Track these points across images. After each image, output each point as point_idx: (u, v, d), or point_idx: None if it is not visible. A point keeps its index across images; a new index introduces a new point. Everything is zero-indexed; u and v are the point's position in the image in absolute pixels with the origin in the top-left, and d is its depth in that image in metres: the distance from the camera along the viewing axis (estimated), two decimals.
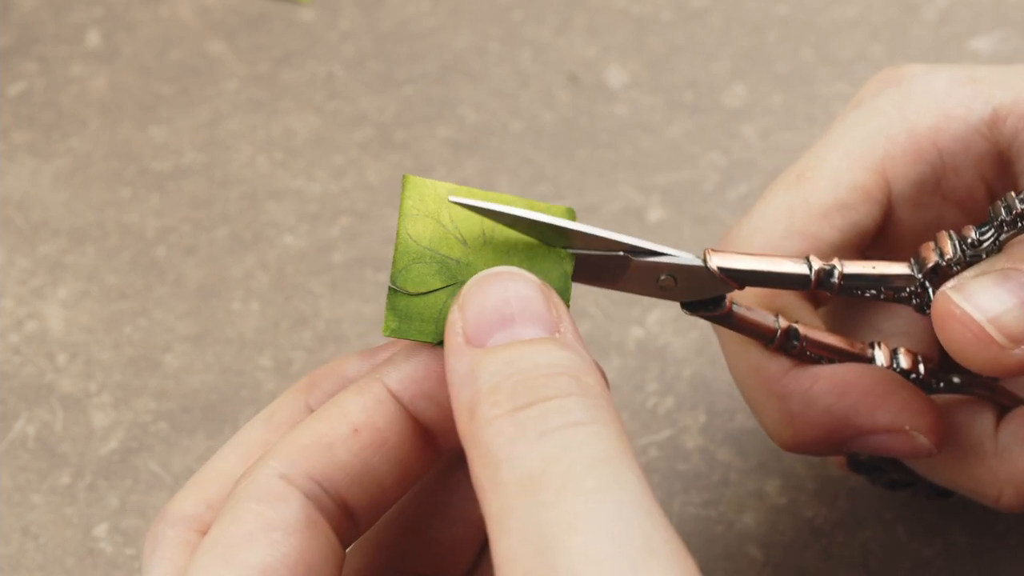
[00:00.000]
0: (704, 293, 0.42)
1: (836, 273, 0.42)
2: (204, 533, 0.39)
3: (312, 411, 0.41)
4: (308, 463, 0.38)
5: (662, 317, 0.57)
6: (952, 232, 0.43)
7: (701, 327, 0.56)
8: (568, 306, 0.39)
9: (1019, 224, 0.42)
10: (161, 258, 0.59)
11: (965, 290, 0.41)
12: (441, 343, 0.39)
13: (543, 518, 0.33)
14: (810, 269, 0.42)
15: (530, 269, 0.39)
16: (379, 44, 0.67)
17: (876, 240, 0.46)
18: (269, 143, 0.63)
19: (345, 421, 0.39)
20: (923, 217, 0.46)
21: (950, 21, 0.66)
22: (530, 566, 0.33)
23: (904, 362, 0.45)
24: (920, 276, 0.42)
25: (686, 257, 0.41)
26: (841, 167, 0.45)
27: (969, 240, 0.42)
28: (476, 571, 0.42)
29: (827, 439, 0.44)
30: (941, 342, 0.41)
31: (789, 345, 0.44)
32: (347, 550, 0.39)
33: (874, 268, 0.43)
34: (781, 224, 0.45)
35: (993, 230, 0.42)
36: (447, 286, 0.40)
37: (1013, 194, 0.42)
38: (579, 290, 0.57)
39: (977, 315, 0.40)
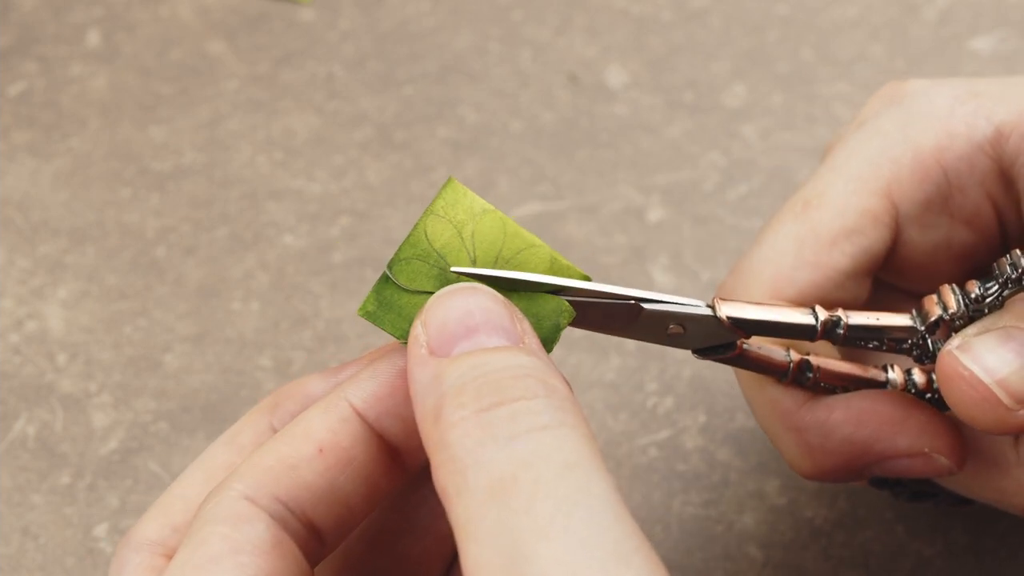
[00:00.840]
0: (713, 340, 0.42)
1: (842, 324, 0.43)
2: (170, 557, 0.38)
3: (276, 431, 0.40)
4: (273, 484, 0.38)
5: None
6: (955, 286, 0.43)
7: None
8: (550, 351, 0.39)
9: (1023, 282, 0.42)
10: (161, 258, 0.59)
11: (972, 351, 0.41)
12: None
13: (514, 525, 0.33)
14: (816, 320, 0.43)
15: (526, 310, 0.40)
16: (379, 44, 0.67)
17: (886, 262, 0.46)
18: (269, 143, 0.63)
19: (310, 441, 0.38)
20: (932, 236, 0.46)
21: (950, 21, 0.66)
22: (501, 574, 0.33)
23: (919, 381, 0.45)
24: (922, 329, 0.43)
25: (695, 306, 0.42)
26: (847, 192, 0.45)
27: (973, 295, 0.42)
28: None
29: (848, 467, 0.44)
30: (947, 402, 0.42)
31: (803, 377, 0.44)
32: (315, 569, 0.39)
33: (878, 319, 0.43)
34: (790, 255, 0.45)
35: (997, 286, 0.42)
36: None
37: (1019, 252, 0.42)
38: None
39: (985, 377, 0.41)
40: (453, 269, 0.40)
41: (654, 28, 0.67)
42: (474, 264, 0.40)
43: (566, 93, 0.65)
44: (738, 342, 0.43)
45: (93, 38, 0.67)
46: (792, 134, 0.63)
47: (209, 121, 0.64)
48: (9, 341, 0.57)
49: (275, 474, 0.38)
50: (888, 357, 0.48)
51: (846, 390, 0.45)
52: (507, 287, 0.40)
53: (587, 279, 0.40)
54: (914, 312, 0.43)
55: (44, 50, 0.67)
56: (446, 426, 0.35)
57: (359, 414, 0.39)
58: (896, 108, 0.46)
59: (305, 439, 0.38)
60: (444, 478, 0.35)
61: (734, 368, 0.46)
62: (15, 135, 0.64)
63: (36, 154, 0.63)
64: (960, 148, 0.45)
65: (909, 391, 0.45)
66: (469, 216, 0.40)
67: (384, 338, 0.57)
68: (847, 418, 0.44)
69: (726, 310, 0.42)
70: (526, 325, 0.38)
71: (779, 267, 0.45)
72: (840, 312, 0.43)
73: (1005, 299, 0.42)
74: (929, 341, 0.43)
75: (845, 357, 0.46)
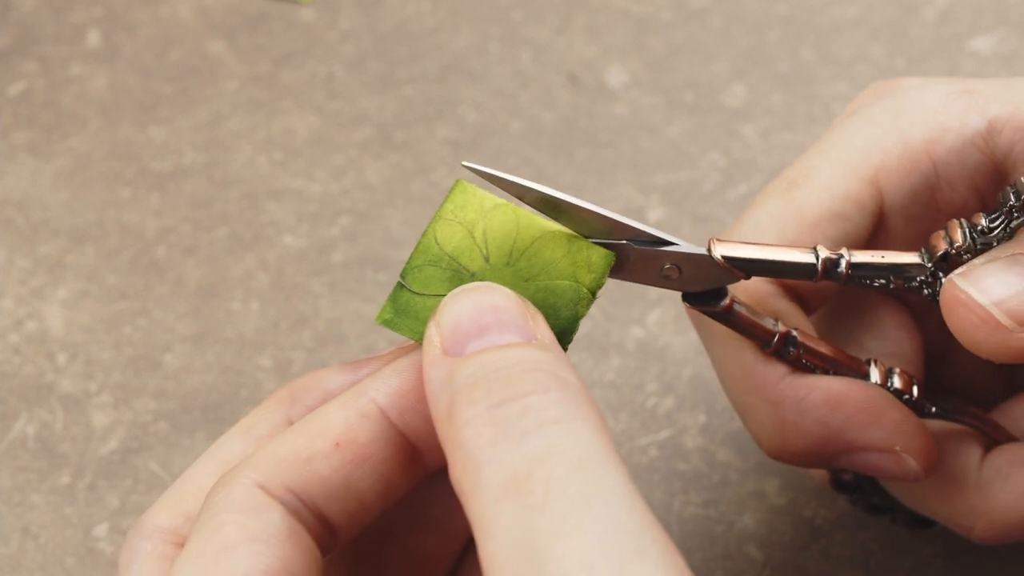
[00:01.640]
0: (708, 283, 0.42)
1: (843, 262, 0.42)
2: (181, 546, 0.38)
3: (292, 424, 0.40)
4: (286, 475, 0.37)
5: (662, 317, 0.57)
6: (962, 220, 0.42)
7: None
8: (566, 346, 0.39)
9: None
10: (161, 258, 0.59)
11: (972, 276, 0.41)
12: None
13: (531, 523, 0.33)
14: (817, 258, 0.42)
15: (543, 301, 0.40)
16: (379, 44, 0.67)
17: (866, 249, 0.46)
18: (269, 143, 0.63)
19: (326, 435, 0.38)
20: (915, 228, 0.46)
21: (950, 21, 0.66)
22: (519, 571, 0.33)
23: (898, 383, 0.45)
24: (930, 265, 0.42)
25: (690, 246, 0.41)
26: (834, 176, 0.45)
27: (979, 227, 0.42)
28: None
29: (816, 451, 0.44)
30: (950, 330, 0.41)
31: (785, 351, 0.43)
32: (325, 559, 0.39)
33: (883, 257, 0.42)
34: (772, 232, 0.44)
35: (1003, 216, 0.42)
36: None
37: (1022, 179, 0.41)
38: None
39: (983, 299, 0.40)
40: (463, 163, 0.40)
41: (654, 28, 0.67)
42: (488, 262, 0.40)
43: (566, 93, 0.65)
44: (729, 297, 0.42)
45: (93, 38, 0.67)
46: (792, 134, 0.63)
47: (209, 121, 0.64)
48: (9, 341, 0.57)
49: (289, 465, 0.38)
50: (875, 347, 0.47)
51: (826, 372, 0.44)
52: (517, 193, 0.40)
53: (612, 257, 0.40)
54: (922, 249, 0.42)
55: (44, 50, 0.67)
56: (459, 424, 0.35)
57: (381, 410, 0.39)
58: (889, 100, 0.46)
59: (322, 433, 0.38)
60: (460, 476, 0.35)
61: (708, 333, 0.45)
62: (15, 135, 0.64)
63: (36, 154, 0.63)
64: (951, 141, 0.45)
65: (888, 389, 0.44)
66: (480, 214, 0.40)
67: (385, 337, 0.57)
68: (825, 400, 0.43)
69: (721, 250, 0.41)
70: (539, 320, 0.38)
71: None
72: (843, 251, 0.42)
73: (1014, 230, 0.41)
74: (940, 277, 0.42)
75: (831, 342, 0.45)
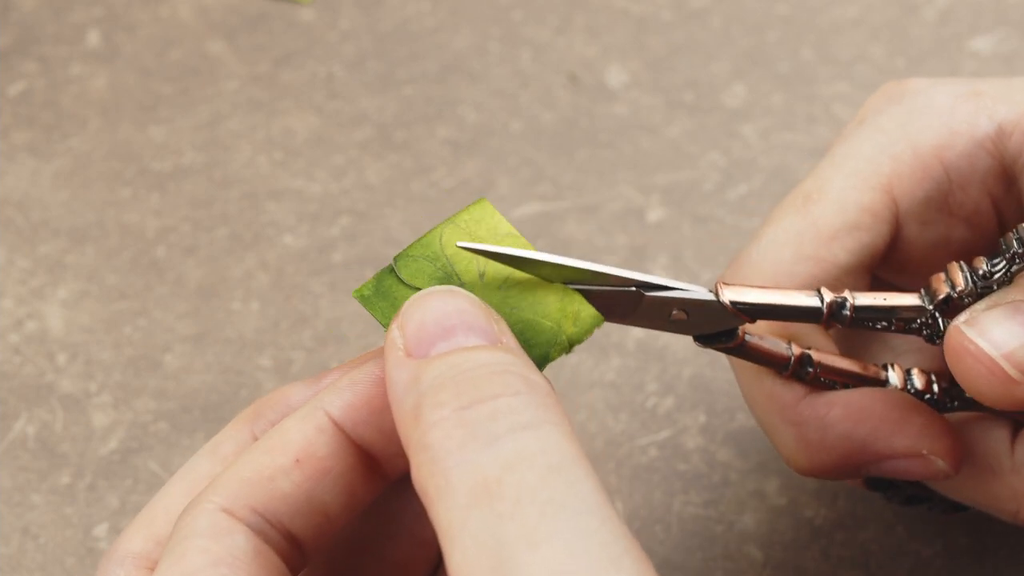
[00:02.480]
0: (716, 326, 0.42)
1: (848, 305, 0.42)
2: (153, 570, 0.38)
3: (257, 440, 0.40)
4: (250, 496, 0.37)
5: None
6: (963, 263, 0.43)
7: None
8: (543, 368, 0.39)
9: None
10: (161, 258, 0.59)
11: (978, 325, 0.41)
12: None
13: (501, 531, 0.33)
14: (822, 302, 0.42)
15: (519, 333, 0.39)
16: (379, 44, 0.67)
17: (884, 259, 0.46)
18: (269, 143, 0.63)
19: (286, 451, 0.38)
20: (931, 234, 0.46)
21: (950, 21, 0.66)
22: None
23: (918, 382, 0.45)
24: (931, 307, 0.43)
25: (698, 291, 0.41)
26: (847, 188, 0.45)
27: (980, 272, 0.42)
28: None
29: (844, 464, 0.44)
30: (955, 377, 0.41)
31: (803, 372, 0.44)
32: None
33: (885, 300, 0.43)
34: (790, 249, 0.44)
35: (1004, 262, 0.42)
36: None
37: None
38: None
39: (992, 351, 0.40)
40: (458, 244, 0.40)
41: (654, 28, 0.67)
42: (482, 279, 0.40)
43: (566, 93, 0.65)
44: (740, 331, 0.43)
45: (93, 38, 0.67)
46: (792, 134, 0.63)
47: (209, 121, 0.64)
48: (9, 341, 0.57)
49: (252, 485, 0.37)
50: (888, 355, 0.48)
51: (845, 386, 0.44)
52: (509, 263, 0.39)
53: (601, 320, 0.40)
54: (922, 291, 0.43)
55: (44, 50, 0.67)
56: (426, 426, 0.35)
57: (336, 423, 0.39)
58: (897, 106, 0.46)
59: (282, 450, 0.38)
60: (425, 479, 0.35)
61: (732, 360, 0.46)
62: (15, 135, 0.64)
63: (36, 154, 0.63)
64: (961, 146, 0.45)
65: (908, 391, 0.45)
66: (490, 235, 0.40)
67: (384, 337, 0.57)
68: (846, 415, 0.44)
69: (729, 294, 0.42)
70: (503, 326, 0.38)
71: (778, 261, 0.45)
72: (846, 293, 0.43)
73: (1014, 274, 0.42)
74: (939, 320, 0.43)
75: (845, 354, 0.46)
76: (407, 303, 0.38)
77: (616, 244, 0.59)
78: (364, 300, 0.40)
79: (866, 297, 0.43)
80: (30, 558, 0.51)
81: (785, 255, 0.44)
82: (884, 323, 0.43)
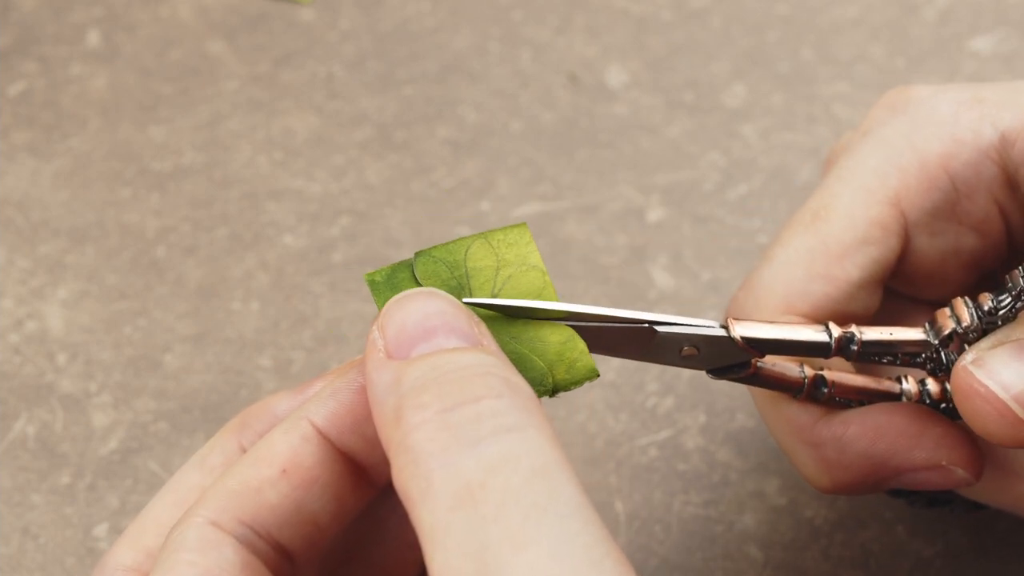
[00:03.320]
0: (727, 360, 0.42)
1: (856, 340, 0.43)
2: None
3: (244, 451, 0.40)
4: (237, 508, 0.37)
5: None
6: (968, 299, 0.43)
7: None
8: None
9: None
10: (161, 258, 0.59)
11: (987, 366, 0.41)
12: None
13: (484, 534, 0.33)
14: (830, 337, 0.43)
15: (528, 367, 0.39)
16: (379, 44, 0.67)
17: (896, 270, 0.46)
18: (269, 143, 0.63)
19: (273, 463, 0.38)
20: (940, 243, 0.46)
21: (950, 21, 0.66)
22: None
23: (933, 391, 0.45)
24: (936, 343, 0.43)
25: (708, 327, 0.42)
26: (856, 203, 0.45)
27: (986, 308, 0.42)
28: None
29: (865, 480, 0.44)
30: (962, 416, 0.42)
31: (818, 393, 0.44)
32: None
33: (891, 335, 0.43)
34: (802, 268, 0.45)
35: (1010, 298, 0.42)
36: None
37: None
38: (578, 288, 0.57)
39: (1001, 393, 0.41)
40: (465, 300, 0.40)
41: (654, 28, 0.67)
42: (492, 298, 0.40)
43: (566, 93, 0.65)
44: (752, 360, 0.43)
45: (93, 38, 0.67)
46: (792, 134, 0.63)
47: (209, 121, 0.64)
48: (9, 341, 0.57)
49: (239, 498, 0.37)
50: (902, 369, 0.48)
51: (861, 403, 0.45)
52: (514, 314, 0.39)
53: (596, 374, 0.40)
54: (927, 326, 0.43)
55: (44, 50, 0.67)
56: (408, 428, 0.35)
57: (321, 433, 0.39)
58: (900, 116, 0.46)
59: (268, 461, 0.38)
60: (407, 482, 0.34)
61: (750, 388, 0.46)
62: (15, 135, 0.64)
63: (36, 154, 0.63)
64: (966, 155, 0.45)
65: (923, 402, 0.45)
66: (517, 261, 0.40)
67: None
68: (863, 432, 0.44)
69: (740, 330, 0.42)
70: (483, 328, 0.38)
71: (791, 281, 0.45)
72: (854, 328, 0.43)
73: (1018, 311, 0.42)
74: (943, 354, 0.43)
75: (859, 370, 0.46)
76: (388, 304, 0.38)
77: (616, 244, 0.59)
78: (372, 285, 0.40)
79: (873, 332, 0.43)
80: (30, 558, 0.51)
81: (797, 274, 0.45)
82: (889, 358, 0.43)
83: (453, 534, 0.33)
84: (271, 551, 0.38)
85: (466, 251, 0.40)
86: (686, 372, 0.55)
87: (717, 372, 0.43)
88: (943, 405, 0.45)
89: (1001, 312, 0.42)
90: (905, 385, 0.45)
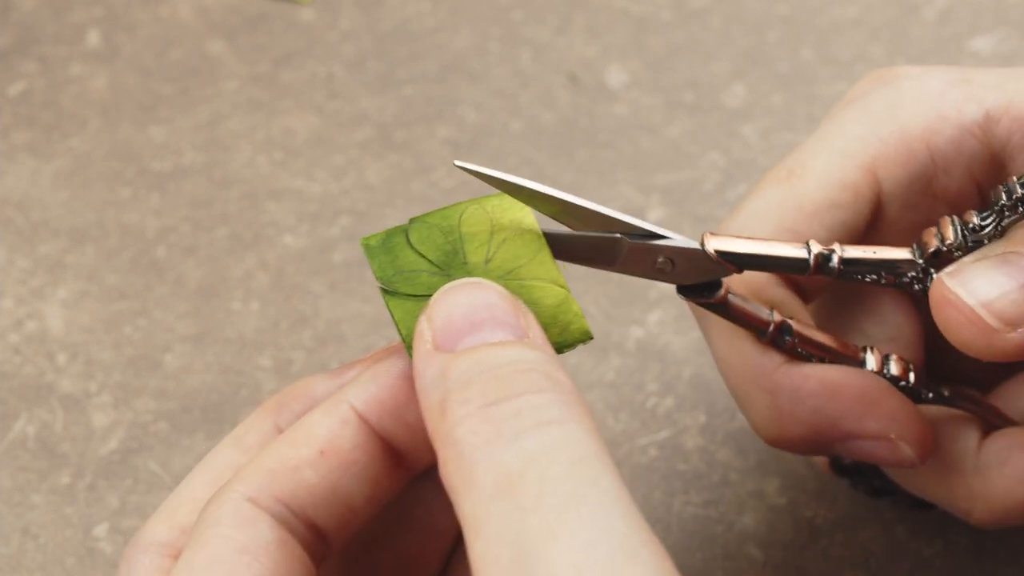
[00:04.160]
0: (702, 277, 0.42)
1: (835, 257, 0.42)
2: (178, 558, 0.39)
3: (281, 432, 0.40)
4: (275, 486, 0.38)
5: (662, 317, 0.57)
6: (954, 217, 0.43)
7: None
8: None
9: (1020, 208, 0.42)
10: (161, 258, 0.60)
11: (961, 275, 0.41)
12: (384, 289, 0.39)
13: (522, 524, 0.33)
14: (809, 253, 0.42)
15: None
16: (379, 44, 0.67)
17: (864, 239, 0.46)
18: (269, 143, 0.63)
19: (311, 444, 0.38)
20: (913, 217, 0.46)
21: (950, 21, 0.66)
22: (509, 571, 0.33)
23: (895, 369, 0.45)
24: (921, 261, 0.43)
25: (684, 240, 0.41)
26: (832, 165, 0.45)
27: (971, 225, 0.42)
28: None
29: (812, 439, 0.44)
30: (939, 328, 0.41)
31: (781, 340, 0.44)
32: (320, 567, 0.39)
33: (875, 253, 0.43)
34: (771, 222, 0.45)
35: (994, 215, 0.42)
36: (433, 266, 0.40)
37: (1014, 179, 0.42)
38: (579, 289, 0.57)
39: (971, 300, 0.41)
40: (456, 163, 0.40)
41: (654, 28, 0.67)
42: (487, 264, 0.40)
43: (566, 93, 0.65)
44: (723, 288, 0.42)
45: (93, 38, 0.67)
46: (792, 134, 0.63)
47: (209, 121, 0.64)
48: (9, 341, 0.57)
49: (277, 476, 0.38)
50: (863, 342, 0.47)
51: (822, 361, 0.44)
52: (502, 188, 0.40)
53: (589, 336, 0.40)
54: (914, 246, 0.43)
55: (44, 50, 0.67)
56: (453, 421, 0.36)
57: (360, 416, 0.39)
58: (887, 88, 0.46)
59: (307, 442, 0.38)
60: (452, 474, 0.35)
61: (705, 323, 0.45)
62: (15, 135, 0.64)
63: (36, 154, 0.63)
64: (949, 131, 0.45)
65: (884, 376, 0.45)
66: (511, 226, 0.40)
67: (384, 337, 0.57)
68: (821, 389, 0.44)
69: (714, 244, 0.42)
70: (531, 319, 0.38)
71: (758, 233, 0.45)
72: (835, 245, 0.43)
73: (1004, 228, 0.42)
74: (932, 274, 0.43)
75: (827, 331, 0.46)
76: (435, 295, 0.38)
77: None
78: (368, 249, 0.40)
79: (855, 250, 0.43)
80: (30, 558, 0.51)
81: (765, 227, 0.44)
82: (873, 276, 0.43)
83: (492, 523, 0.34)
84: (306, 531, 0.38)
85: (460, 216, 0.40)
86: (686, 372, 0.55)
87: (687, 290, 0.42)
88: (903, 383, 0.45)
89: (986, 229, 0.42)
90: (869, 356, 0.45)
